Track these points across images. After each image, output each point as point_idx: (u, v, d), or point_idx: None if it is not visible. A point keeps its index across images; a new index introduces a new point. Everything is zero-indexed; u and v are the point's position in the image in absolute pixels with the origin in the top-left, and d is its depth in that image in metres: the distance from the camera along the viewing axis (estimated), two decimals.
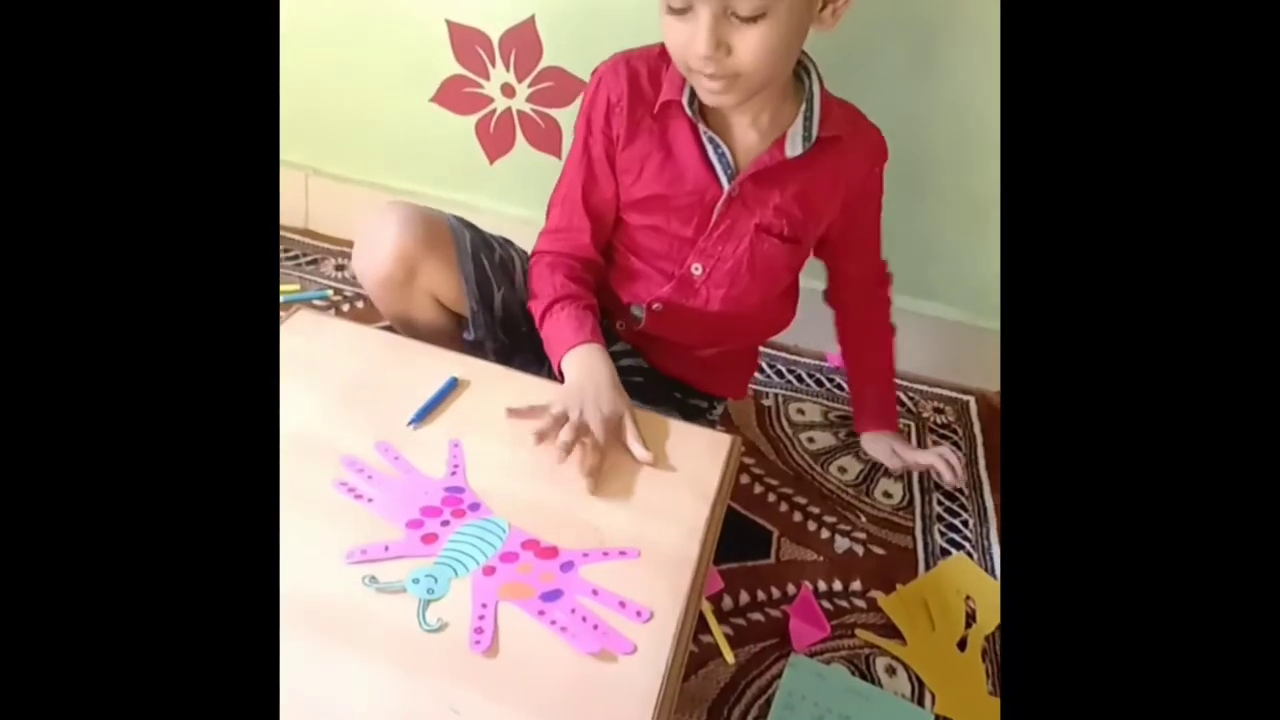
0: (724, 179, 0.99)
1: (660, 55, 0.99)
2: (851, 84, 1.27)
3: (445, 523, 0.77)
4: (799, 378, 1.46)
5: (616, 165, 1.02)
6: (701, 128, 0.98)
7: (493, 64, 1.38)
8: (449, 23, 1.36)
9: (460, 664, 0.67)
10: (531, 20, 1.32)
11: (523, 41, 1.34)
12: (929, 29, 1.20)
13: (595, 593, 0.73)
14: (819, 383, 1.45)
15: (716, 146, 0.98)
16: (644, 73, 0.99)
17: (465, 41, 1.37)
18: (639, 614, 0.72)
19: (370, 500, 0.78)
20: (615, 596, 0.73)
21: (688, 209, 1.02)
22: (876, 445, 1.27)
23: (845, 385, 1.45)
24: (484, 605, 0.70)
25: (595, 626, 0.70)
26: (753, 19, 0.84)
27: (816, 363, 1.49)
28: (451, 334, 1.10)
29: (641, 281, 1.09)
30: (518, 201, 1.48)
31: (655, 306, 1.09)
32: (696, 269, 1.05)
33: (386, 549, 0.73)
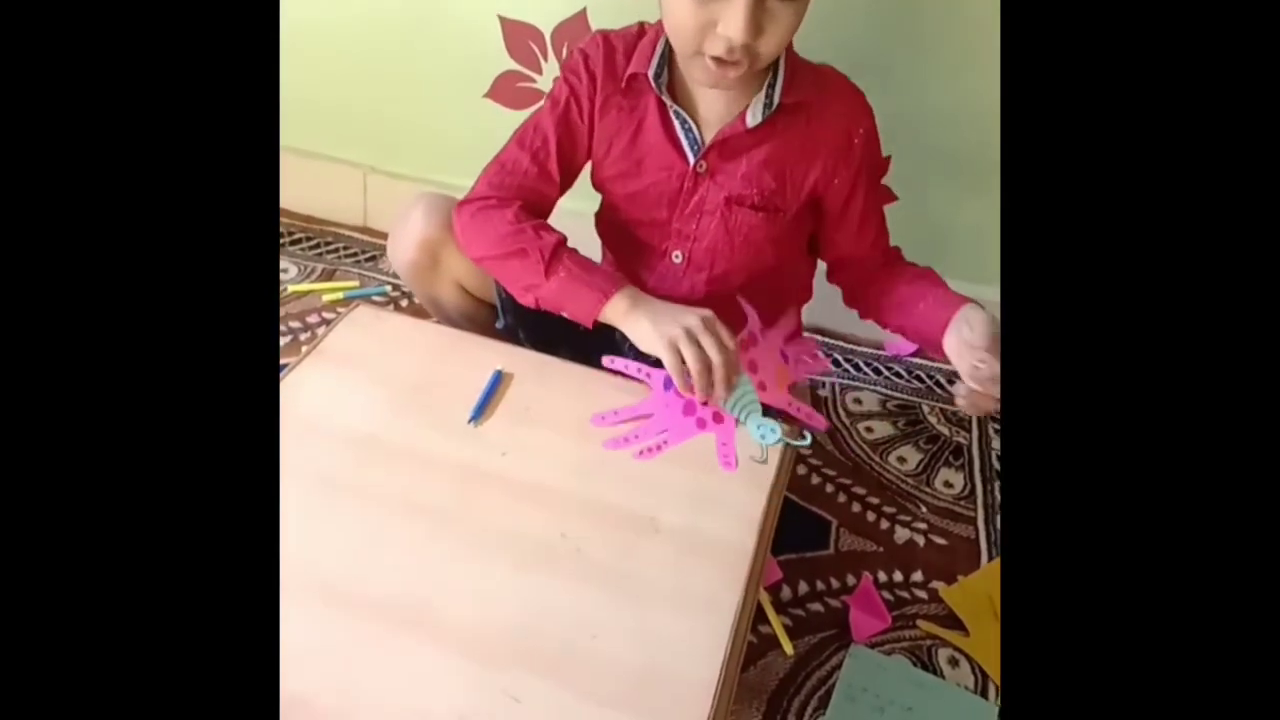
0: (690, 154, 0.96)
1: (637, 34, 0.96)
2: (906, 77, 1.26)
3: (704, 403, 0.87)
4: (856, 366, 1.44)
5: (593, 137, 0.99)
6: (667, 102, 0.95)
7: (545, 58, 1.38)
8: (501, 19, 1.37)
9: (521, 654, 0.67)
10: (583, 13, 1.32)
11: (575, 35, 1.34)
12: (983, 21, 1.17)
13: None
14: (877, 371, 1.44)
15: (684, 122, 0.95)
16: (620, 49, 0.97)
17: (518, 37, 1.38)
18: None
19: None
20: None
21: (658, 188, 0.99)
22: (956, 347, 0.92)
23: (904, 373, 1.43)
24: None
25: None
26: None
27: (874, 351, 1.48)
28: (483, 321, 1.12)
29: (631, 280, 1.08)
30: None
31: None
32: (677, 256, 1.03)
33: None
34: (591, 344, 0.95)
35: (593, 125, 0.99)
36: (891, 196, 1.35)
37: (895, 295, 1.01)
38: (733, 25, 0.80)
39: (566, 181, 1.02)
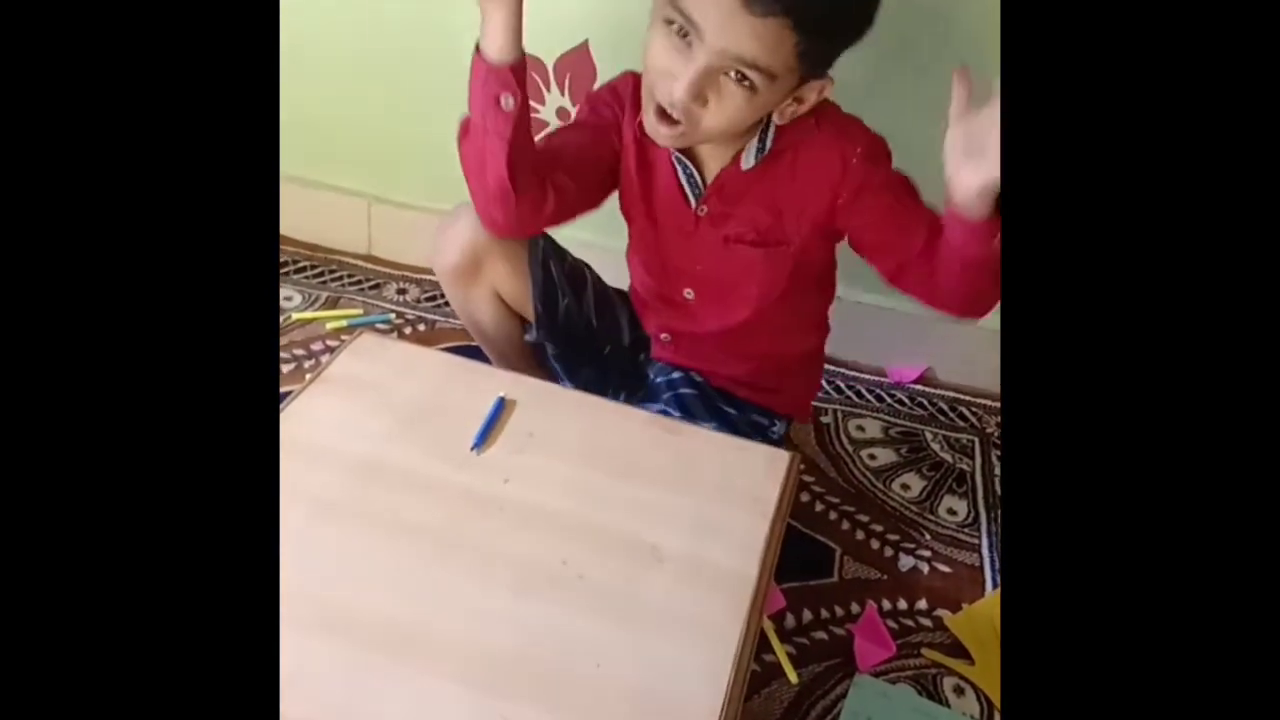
0: (692, 199, 1.00)
1: None
2: (906, 82, 1.26)
3: None
4: (858, 394, 1.44)
5: (620, 159, 1.01)
6: (671, 151, 0.97)
7: (547, 89, 1.39)
8: None
9: (522, 681, 0.67)
10: (585, 45, 1.34)
11: (577, 66, 1.36)
12: (987, 28, 1.19)
13: None
14: (879, 398, 1.44)
15: (685, 169, 0.98)
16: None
17: None
18: None
19: None
20: None
21: (668, 230, 1.03)
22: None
23: (907, 400, 1.43)
24: None
25: None
26: (743, 81, 0.83)
27: (876, 378, 1.48)
28: (513, 334, 1.14)
29: (651, 313, 1.12)
30: (574, 224, 1.50)
31: (664, 338, 1.12)
32: (688, 294, 1.06)
33: None
34: (616, 364, 0.96)
35: (619, 145, 1.01)
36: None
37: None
38: (680, 82, 0.83)
39: (582, 166, 0.99)
